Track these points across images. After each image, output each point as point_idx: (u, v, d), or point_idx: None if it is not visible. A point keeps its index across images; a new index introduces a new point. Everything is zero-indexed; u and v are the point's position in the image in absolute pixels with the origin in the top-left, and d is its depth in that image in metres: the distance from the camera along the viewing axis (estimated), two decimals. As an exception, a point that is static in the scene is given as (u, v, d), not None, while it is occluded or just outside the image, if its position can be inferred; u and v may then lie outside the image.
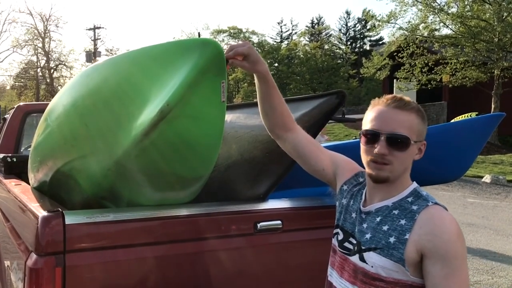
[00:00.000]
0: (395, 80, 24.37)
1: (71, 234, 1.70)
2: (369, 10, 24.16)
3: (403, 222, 1.35)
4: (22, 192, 2.41)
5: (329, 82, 42.53)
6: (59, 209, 1.75)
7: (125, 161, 1.78)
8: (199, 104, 1.68)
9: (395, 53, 22.93)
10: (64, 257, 1.68)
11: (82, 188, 2.03)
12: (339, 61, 48.50)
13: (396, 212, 1.38)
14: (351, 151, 2.25)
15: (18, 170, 3.29)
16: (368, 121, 1.43)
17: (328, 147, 2.83)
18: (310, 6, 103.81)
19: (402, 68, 22.54)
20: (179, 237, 1.91)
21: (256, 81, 1.70)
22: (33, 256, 1.70)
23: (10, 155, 3.43)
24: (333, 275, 1.53)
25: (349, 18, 55.67)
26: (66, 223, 1.69)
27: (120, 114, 1.76)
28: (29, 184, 2.69)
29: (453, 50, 20.71)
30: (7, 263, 2.32)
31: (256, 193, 2.25)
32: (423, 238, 1.29)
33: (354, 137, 8.92)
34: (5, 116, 4.78)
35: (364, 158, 1.43)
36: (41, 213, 1.74)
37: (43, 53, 45.98)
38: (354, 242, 1.46)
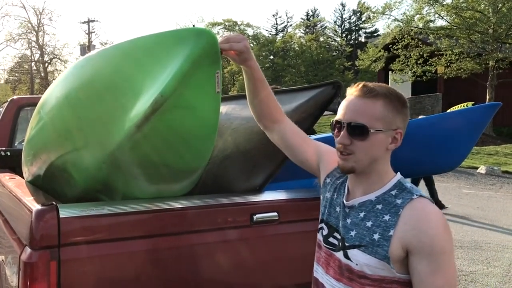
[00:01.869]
0: (390, 72, 24.39)
1: (66, 227, 1.68)
2: (364, 2, 24.09)
3: (387, 217, 1.30)
4: (16, 186, 2.39)
5: (324, 74, 42.49)
6: (53, 202, 1.73)
7: (119, 154, 1.76)
8: (193, 95, 1.66)
9: (390, 45, 22.93)
10: (58, 251, 1.66)
11: (76, 181, 2.01)
12: (334, 53, 48.45)
13: (379, 207, 1.33)
14: None
15: (12, 164, 3.26)
16: (338, 110, 1.41)
17: (320, 139, 2.82)
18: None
19: (397, 60, 22.55)
20: (174, 230, 1.90)
21: (244, 74, 1.69)
22: (28, 250, 1.68)
23: (4, 149, 3.41)
24: (318, 271, 1.50)
25: (344, 10, 55.66)
26: (60, 216, 1.68)
27: (113, 107, 1.74)
28: (23, 178, 2.67)
29: (448, 41, 20.73)
30: (1, 257, 2.30)
31: (252, 185, 2.24)
32: (408, 234, 1.25)
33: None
34: (-1, 110, 4.73)
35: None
36: (35, 206, 1.73)
37: (37, 47, 45.69)
38: (339, 237, 1.41)
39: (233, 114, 2.56)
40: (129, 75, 1.74)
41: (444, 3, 20.88)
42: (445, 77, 21.62)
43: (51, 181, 2.27)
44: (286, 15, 76.44)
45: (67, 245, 1.68)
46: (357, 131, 1.32)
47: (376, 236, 1.29)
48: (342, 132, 1.34)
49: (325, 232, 1.49)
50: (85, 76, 1.95)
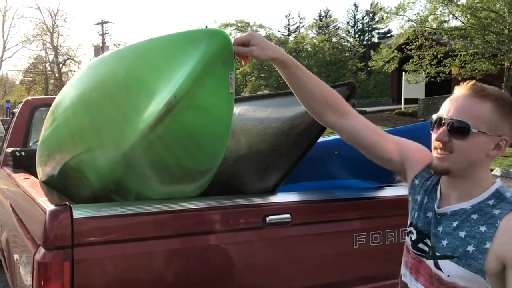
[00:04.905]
0: (403, 73, 24.20)
1: (79, 228, 1.69)
2: (377, 2, 23.96)
3: (483, 229, 1.21)
4: (30, 186, 2.41)
5: (337, 75, 42.36)
6: (67, 203, 1.74)
7: (133, 154, 1.76)
8: (207, 96, 1.65)
9: (403, 46, 22.76)
10: (72, 251, 1.67)
11: (90, 181, 2.02)
12: (347, 54, 48.29)
13: (475, 216, 1.25)
14: None
15: (26, 164, 3.29)
16: (441, 107, 1.33)
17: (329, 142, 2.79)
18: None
19: (410, 60, 22.36)
20: (187, 230, 1.90)
21: (280, 72, 1.59)
22: (41, 250, 1.69)
23: (18, 149, 3.44)
24: (407, 275, 1.42)
25: (357, 11, 55.45)
26: (74, 217, 1.68)
27: (126, 107, 1.74)
28: (37, 178, 2.69)
29: (463, 42, 20.50)
30: (16, 256, 2.32)
31: (265, 186, 2.23)
32: (505, 248, 1.16)
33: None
34: (14, 110, 4.79)
35: (431, 147, 1.33)
36: (49, 207, 1.74)
37: (51, 48, 46.25)
38: (430, 244, 1.34)
39: (247, 115, 2.55)
40: (143, 76, 1.74)
41: (459, 3, 20.64)
42: (459, 78, 21.35)
43: (65, 181, 2.28)
44: (299, 16, 76.07)
45: (81, 246, 1.69)
46: (458, 129, 1.24)
47: (470, 248, 1.22)
48: (441, 129, 1.26)
49: (414, 237, 1.41)
50: (98, 77, 1.96)
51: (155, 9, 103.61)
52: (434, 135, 1.30)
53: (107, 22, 44.65)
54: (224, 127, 1.81)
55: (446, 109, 1.29)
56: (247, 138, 2.40)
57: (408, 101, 25.71)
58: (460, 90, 1.30)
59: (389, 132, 2.49)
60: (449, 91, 24.18)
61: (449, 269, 1.26)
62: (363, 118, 1.57)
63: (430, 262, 1.32)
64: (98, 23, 44.36)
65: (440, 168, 1.28)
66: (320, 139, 2.27)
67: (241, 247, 2.01)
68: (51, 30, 45.41)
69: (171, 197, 2.00)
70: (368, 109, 26.91)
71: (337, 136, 3.38)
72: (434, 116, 1.32)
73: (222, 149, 1.92)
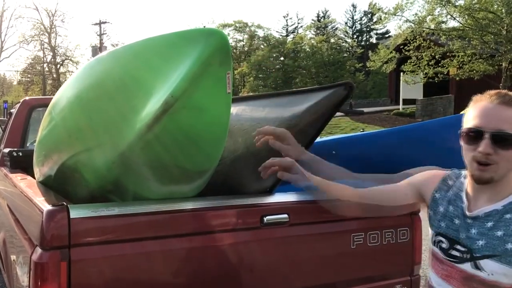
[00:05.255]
0: (401, 73, 24.26)
1: (76, 228, 1.68)
2: (375, 3, 24.03)
3: None
4: (27, 186, 2.40)
5: (335, 75, 42.43)
6: (64, 203, 1.73)
7: (130, 154, 1.76)
8: (204, 96, 1.65)
9: (401, 46, 22.81)
10: (69, 251, 1.66)
11: (87, 181, 2.02)
12: (345, 55, 48.37)
13: (508, 216, 1.32)
14: (357, 144, 2.19)
15: (24, 164, 3.28)
16: (470, 118, 1.34)
17: (330, 141, 2.79)
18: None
19: (408, 61, 22.42)
20: (185, 231, 1.89)
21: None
22: (38, 250, 1.69)
23: (16, 149, 3.43)
24: (441, 284, 1.47)
25: (355, 11, 55.62)
26: (71, 217, 1.68)
27: (124, 107, 1.74)
28: (34, 178, 2.68)
29: (460, 42, 20.57)
30: (13, 257, 2.31)
31: (263, 186, 2.23)
32: None
33: (361, 130, 8.88)
34: (11, 111, 4.78)
35: (466, 158, 1.36)
36: (46, 207, 1.73)
37: (49, 48, 46.26)
38: (462, 249, 1.39)
39: (244, 115, 2.55)
40: (140, 76, 1.74)
41: (457, 4, 20.70)
42: (457, 78, 21.44)
43: (62, 181, 2.28)
44: (297, 17, 76.23)
45: (78, 246, 1.68)
46: (505, 140, 1.28)
47: (509, 246, 1.29)
48: (483, 141, 1.29)
49: (445, 245, 1.46)
50: (96, 76, 1.96)
51: (153, 9, 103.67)
52: (472, 147, 1.32)
53: (105, 22, 44.66)
54: (222, 127, 1.81)
55: (483, 120, 1.31)
56: (245, 138, 2.39)
57: (406, 101, 25.77)
58: (489, 99, 1.32)
59: (389, 132, 2.51)
60: (447, 92, 24.30)
61: (490, 267, 1.31)
62: (369, 175, 1.72)
63: (464, 266, 1.38)
64: (96, 24, 44.37)
65: (484, 179, 1.33)
66: (318, 139, 2.27)
67: (239, 247, 2.00)
68: (49, 30, 45.42)
69: (168, 197, 2.00)
70: (366, 109, 26.95)
71: (335, 136, 3.37)
72: (465, 128, 1.34)
73: (219, 149, 1.92)
